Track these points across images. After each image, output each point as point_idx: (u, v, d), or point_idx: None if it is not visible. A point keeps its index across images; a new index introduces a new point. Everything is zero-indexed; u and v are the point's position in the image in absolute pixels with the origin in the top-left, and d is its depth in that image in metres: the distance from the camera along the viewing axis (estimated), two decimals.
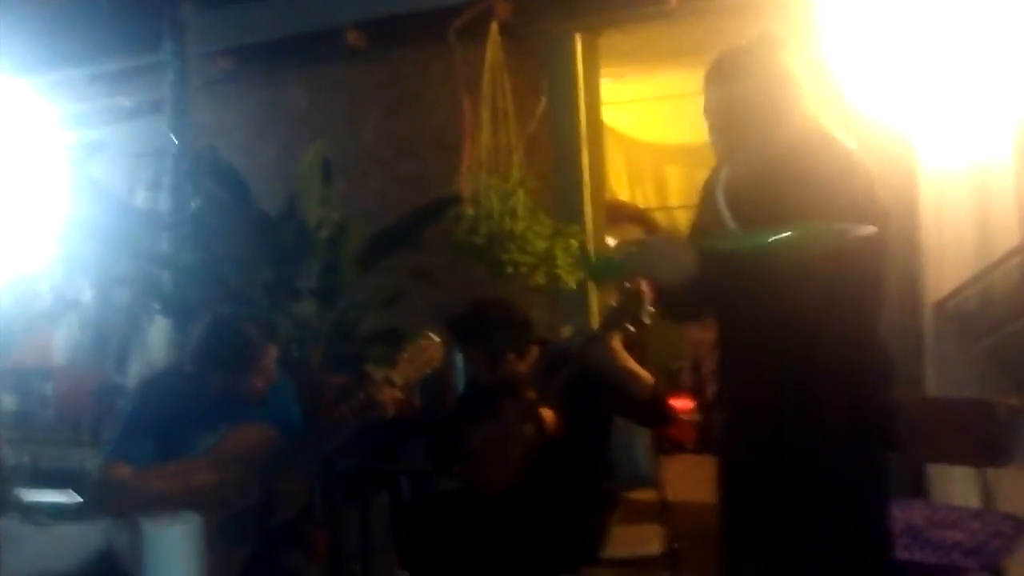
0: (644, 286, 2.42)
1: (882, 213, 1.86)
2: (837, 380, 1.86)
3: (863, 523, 1.93)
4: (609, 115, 5.25)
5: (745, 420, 2.00)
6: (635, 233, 6.65)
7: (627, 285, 2.45)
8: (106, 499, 2.54)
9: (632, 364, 2.64)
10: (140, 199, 4.68)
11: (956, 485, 3.17)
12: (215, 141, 4.18)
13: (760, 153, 1.92)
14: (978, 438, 2.89)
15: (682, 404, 5.61)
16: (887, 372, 1.97)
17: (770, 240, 1.78)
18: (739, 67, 1.92)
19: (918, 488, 3.14)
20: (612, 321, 2.58)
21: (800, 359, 1.85)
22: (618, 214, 6.34)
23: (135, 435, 2.57)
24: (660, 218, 6.91)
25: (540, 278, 3.72)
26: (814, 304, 1.79)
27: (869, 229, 1.78)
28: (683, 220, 6.84)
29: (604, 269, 2.16)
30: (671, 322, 2.23)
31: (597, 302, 3.94)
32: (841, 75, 3.31)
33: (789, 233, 1.76)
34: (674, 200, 6.93)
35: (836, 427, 1.88)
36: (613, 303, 2.63)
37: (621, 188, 6.93)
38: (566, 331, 3.78)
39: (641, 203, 6.95)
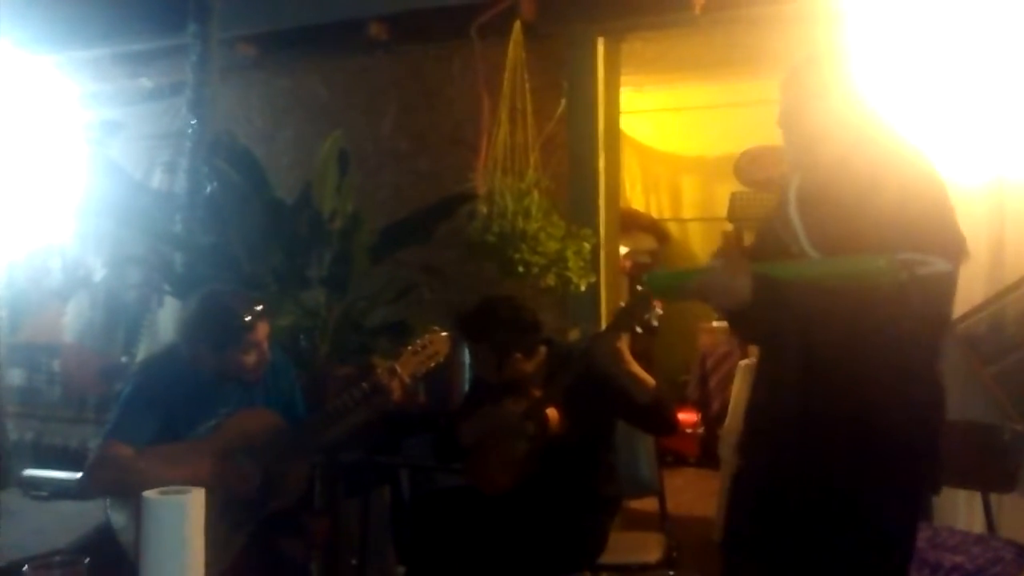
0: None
1: (959, 241, 1.80)
2: (886, 414, 1.81)
3: (892, 558, 1.89)
4: (627, 124, 5.24)
5: (778, 447, 1.93)
6: (648, 242, 6.66)
7: (638, 288, 2.45)
8: (103, 477, 2.51)
9: (636, 367, 2.64)
10: (157, 180, 4.70)
11: (960, 509, 3.15)
12: (234, 126, 4.20)
13: (831, 165, 1.90)
14: (983, 462, 2.87)
15: (687, 417, 5.60)
16: (938, 408, 1.92)
17: (832, 271, 1.72)
18: (811, 78, 1.95)
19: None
20: (620, 322, 2.57)
21: (847, 392, 1.79)
22: (632, 222, 6.34)
23: (135, 414, 2.54)
24: (673, 229, 6.91)
25: (550, 279, 3.71)
26: (871, 338, 1.73)
27: (942, 265, 1.70)
28: (696, 232, 6.84)
29: (666, 283, 2.13)
30: (742, 340, 2.23)
31: (606, 305, 3.94)
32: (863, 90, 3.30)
33: (853, 264, 1.69)
34: (688, 212, 6.92)
35: (880, 461, 1.83)
36: (623, 304, 2.62)
37: (636, 197, 6.93)
38: (574, 333, 3.77)
39: (655, 213, 6.95)
